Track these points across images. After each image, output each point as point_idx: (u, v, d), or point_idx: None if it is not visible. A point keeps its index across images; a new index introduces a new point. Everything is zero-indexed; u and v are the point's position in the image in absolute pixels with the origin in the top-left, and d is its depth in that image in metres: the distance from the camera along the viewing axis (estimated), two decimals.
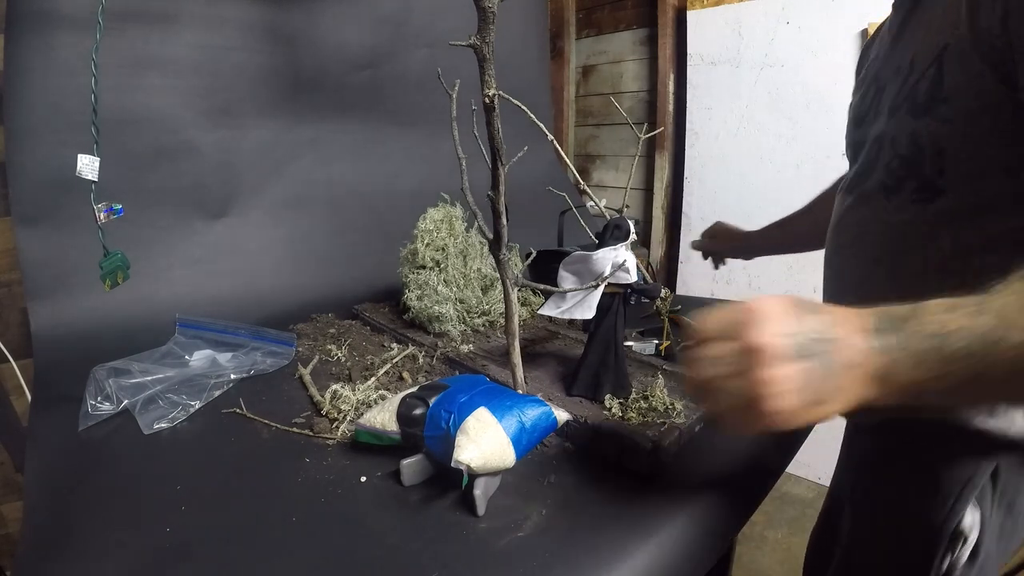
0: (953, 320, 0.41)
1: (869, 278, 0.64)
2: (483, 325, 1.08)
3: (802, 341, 0.42)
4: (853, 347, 0.42)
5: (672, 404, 0.74)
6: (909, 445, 0.63)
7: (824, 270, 0.75)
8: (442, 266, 1.08)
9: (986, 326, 0.40)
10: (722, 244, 1.23)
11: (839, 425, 1.03)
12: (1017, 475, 0.59)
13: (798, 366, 0.42)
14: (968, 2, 0.50)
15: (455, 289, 1.06)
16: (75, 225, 1.14)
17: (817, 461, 1.08)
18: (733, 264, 1.25)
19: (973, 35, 0.49)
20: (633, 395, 0.77)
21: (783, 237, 1.10)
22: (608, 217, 0.77)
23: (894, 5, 0.68)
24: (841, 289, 0.71)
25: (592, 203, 0.80)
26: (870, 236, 0.64)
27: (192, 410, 0.82)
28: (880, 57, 0.69)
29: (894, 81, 0.61)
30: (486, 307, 1.09)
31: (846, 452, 0.80)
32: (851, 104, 0.76)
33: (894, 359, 0.41)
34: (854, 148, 0.72)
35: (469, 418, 0.60)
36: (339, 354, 1.01)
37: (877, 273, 0.63)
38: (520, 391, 0.76)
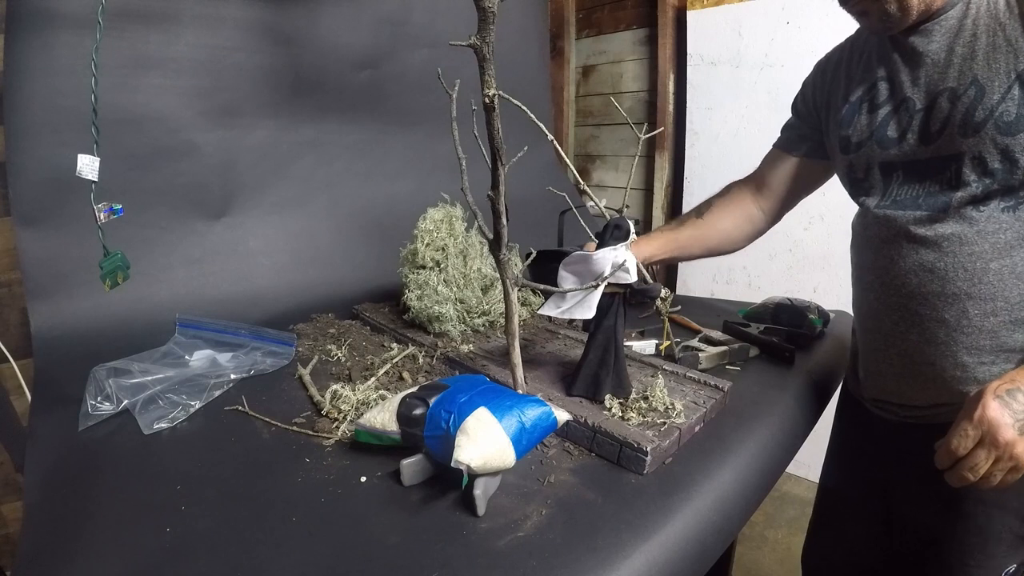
0: None
1: (978, 282, 0.71)
2: (483, 325, 1.08)
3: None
4: None
5: (672, 404, 0.74)
6: None
7: (884, 284, 0.79)
8: (442, 266, 1.08)
9: None
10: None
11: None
12: None
13: None
14: None
15: (455, 289, 1.06)
16: (75, 225, 1.13)
17: (817, 461, 1.08)
18: (733, 264, 1.24)
19: None
20: (633, 395, 0.77)
21: (679, 244, 1.04)
22: (608, 217, 0.77)
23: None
24: (937, 296, 0.73)
25: (592, 203, 0.80)
26: (966, 246, 0.71)
27: (192, 410, 0.82)
28: (901, 83, 0.75)
29: (945, 104, 0.69)
30: (486, 307, 1.09)
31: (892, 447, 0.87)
32: (865, 129, 0.80)
33: None
34: (884, 168, 0.77)
35: (469, 418, 0.60)
36: (339, 354, 1.01)
37: (985, 278, 0.70)
38: (520, 391, 0.76)
